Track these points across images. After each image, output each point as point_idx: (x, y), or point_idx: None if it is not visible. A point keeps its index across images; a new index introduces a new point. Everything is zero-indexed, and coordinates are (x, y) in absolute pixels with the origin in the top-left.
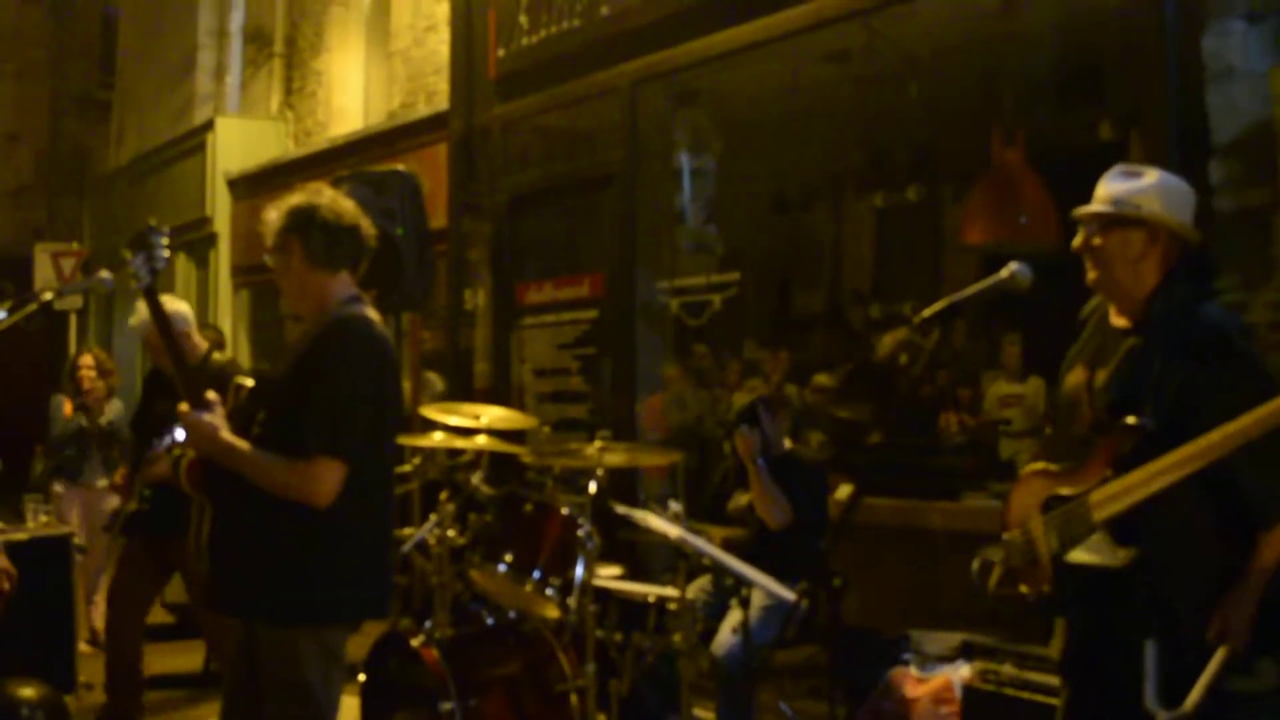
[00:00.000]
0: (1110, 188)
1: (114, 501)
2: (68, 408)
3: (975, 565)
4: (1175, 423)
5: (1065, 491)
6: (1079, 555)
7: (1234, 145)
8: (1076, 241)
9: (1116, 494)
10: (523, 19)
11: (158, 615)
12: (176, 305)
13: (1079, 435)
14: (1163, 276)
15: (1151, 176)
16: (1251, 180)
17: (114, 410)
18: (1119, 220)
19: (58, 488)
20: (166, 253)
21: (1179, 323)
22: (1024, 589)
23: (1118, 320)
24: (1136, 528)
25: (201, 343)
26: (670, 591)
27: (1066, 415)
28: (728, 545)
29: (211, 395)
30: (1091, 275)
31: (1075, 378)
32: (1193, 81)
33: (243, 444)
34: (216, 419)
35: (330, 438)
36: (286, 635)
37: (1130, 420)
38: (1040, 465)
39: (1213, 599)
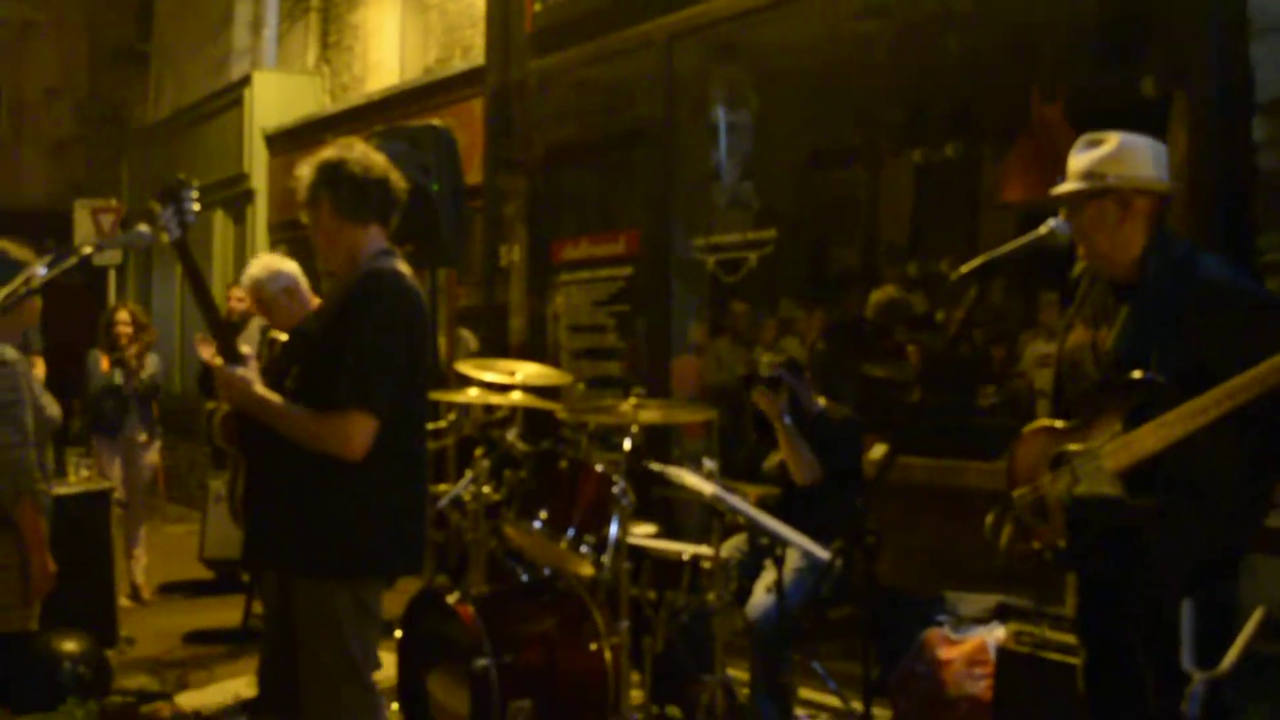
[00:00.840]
0: (1077, 161)
1: (153, 456)
2: (104, 363)
3: (989, 521)
4: (1185, 374)
5: (1074, 447)
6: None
7: (1278, 103)
8: (1043, 231)
9: (1127, 446)
10: None
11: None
12: (286, 264)
13: (1084, 393)
14: (1151, 235)
15: (1111, 142)
16: None
17: (151, 365)
18: (1090, 194)
19: (97, 443)
20: (197, 206)
21: (1175, 279)
22: (1037, 545)
23: (1114, 280)
24: (1154, 479)
25: (313, 299)
26: (705, 550)
27: (1069, 375)
28: (762, 503)
29: (245, 349)
30: (1080, 250)
31: (1076, 338)
32: (1237, 37)
33: (275, 398)
34: (250, 373)
35: (361, 391)
36: (321, 588)
37: (1137, 374)
38: (1045, 422)
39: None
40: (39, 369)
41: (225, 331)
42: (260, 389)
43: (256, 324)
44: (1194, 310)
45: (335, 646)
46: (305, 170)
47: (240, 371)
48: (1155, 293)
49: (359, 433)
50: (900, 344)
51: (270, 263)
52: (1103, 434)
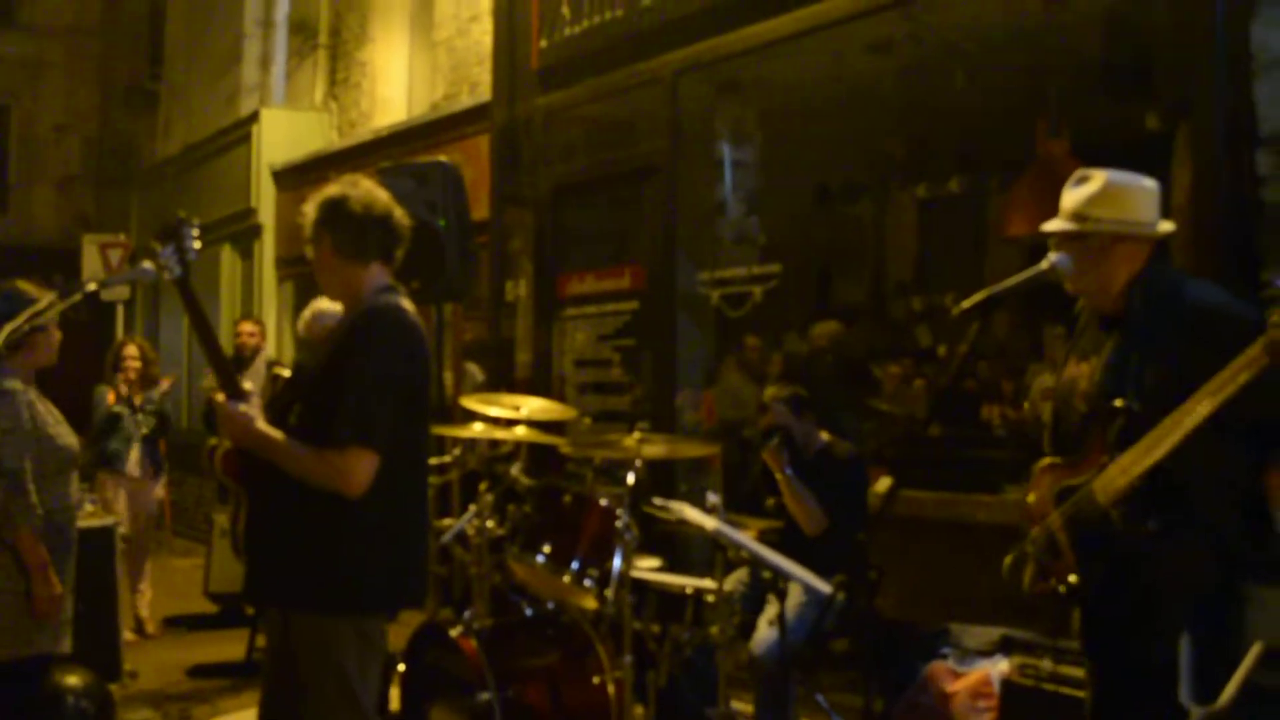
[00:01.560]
0: (1067, 199)
1: (159, 491)
2: (110, 397)
3: (1007, 564)
4: (1166, 405)
5: (1073, 481)
6: None
7: None
8: (1044, 266)
9: (1116, 477)
10: (565, 9)
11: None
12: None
13: (1075, 426)
14: (1140, 267)
15: (1097, 182)
16: None
17: (158, 400)
18: (1070, 236)
19: (103, 478)
20: (198, 244)
21: (1162, 308)
22: (1054, 583)
23: (1102, 313)
24: (1147, 505)
25: None
26: (708, 584)
27: (1063, 408)
28: (765, 538)
29: (248, 385)
30: (1067, 285)
31: (1070, 371)
32: (1241, 72)
33: (277, 434)
34: (251, 409)
35: (361, 428)
36: (323, 624)
37: (1117, 403)
38: (1048, 460)
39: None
40: None
41: (227, 367)
42: (261, 425)
43: (263, 359)
44: (1186, 336)
45: (337, 682)
46: (309, 207)
47: (242, 407)
48: (1140, 323)
49: (360, 469)
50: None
51: (321, 304)
52: (1092, 466)
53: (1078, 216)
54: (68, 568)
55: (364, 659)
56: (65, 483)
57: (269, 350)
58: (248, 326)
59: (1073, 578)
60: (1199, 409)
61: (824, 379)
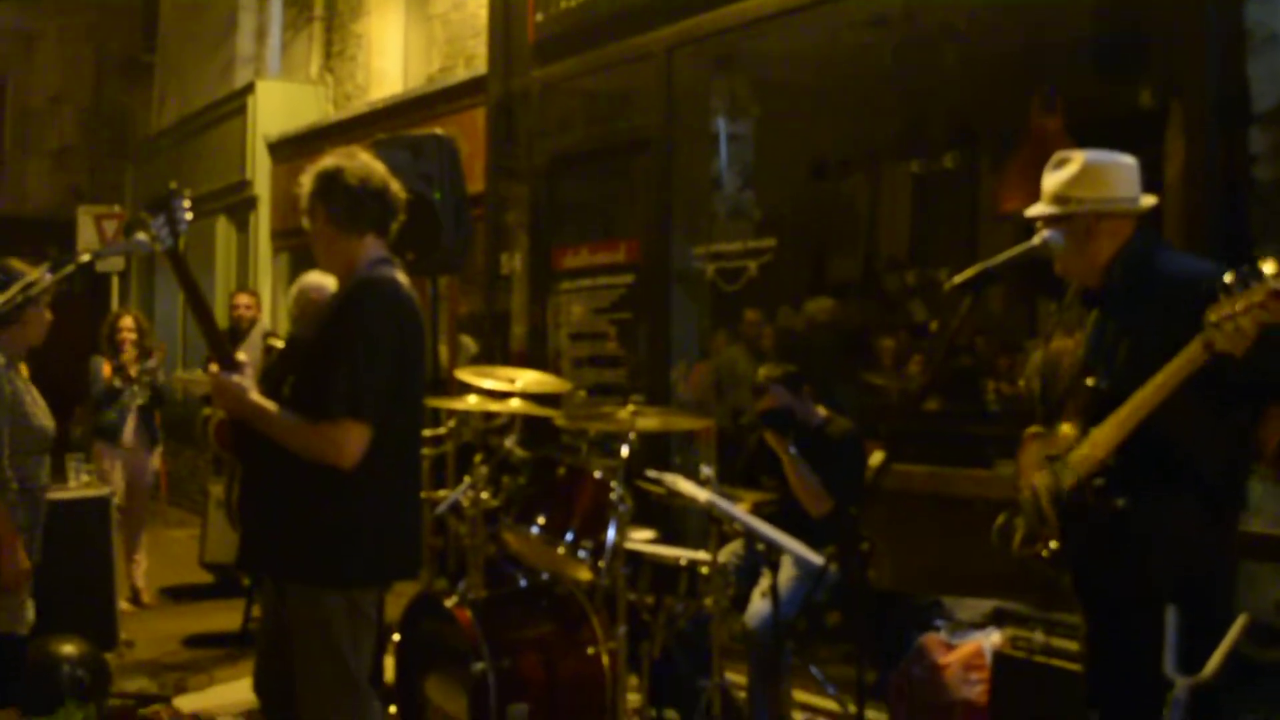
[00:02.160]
0: (1047, 183)
1: (155, 462)
2: (106, 369)
3: (997, 525)
4: (1136, 378)
5: (1053, 451)
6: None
7: (1275, 114)
8: (1036, 242)
9: (1088, 452)
10: None
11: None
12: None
13: (1056, 398)
14: (1122, 244)
15: (1075, 164)
16: None
17: (154, 371)
18: (1054, 218)
19: (99, 448)
20: (189, 215)
21: (1137, 282)
22: (1039, 547)
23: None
24: (1117, 481)
25: None
26: (702, 555)
27: (1050, 381)
28: (759, 509)
29: (241, 356)
30: (1056, 267)
31: (1056, 344)
32: (1234, 49)
33: (270, 405)
34: (245, 380)
35: (353, 400)
36: (315, 595)
37: (1089, 381)
38: (1034, 429)
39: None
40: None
41: (219, 337)
42: (255, 396)
43: (259, 331)
44: (1158, 308)
45: (330, 652)
46: (306, 179)
47: (235, 378)
48: (1117, 298)
49: (352, 441)
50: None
51: (311, 278)
52: (1066, 437)
53: (1060, 199)
54: (35, 546)
55: (357, 630)
56: (38, 464)
57: (265, 322)
58: (243, 299)
59: (1054, 543)
60: (1164, 387)
61: (819, 353)
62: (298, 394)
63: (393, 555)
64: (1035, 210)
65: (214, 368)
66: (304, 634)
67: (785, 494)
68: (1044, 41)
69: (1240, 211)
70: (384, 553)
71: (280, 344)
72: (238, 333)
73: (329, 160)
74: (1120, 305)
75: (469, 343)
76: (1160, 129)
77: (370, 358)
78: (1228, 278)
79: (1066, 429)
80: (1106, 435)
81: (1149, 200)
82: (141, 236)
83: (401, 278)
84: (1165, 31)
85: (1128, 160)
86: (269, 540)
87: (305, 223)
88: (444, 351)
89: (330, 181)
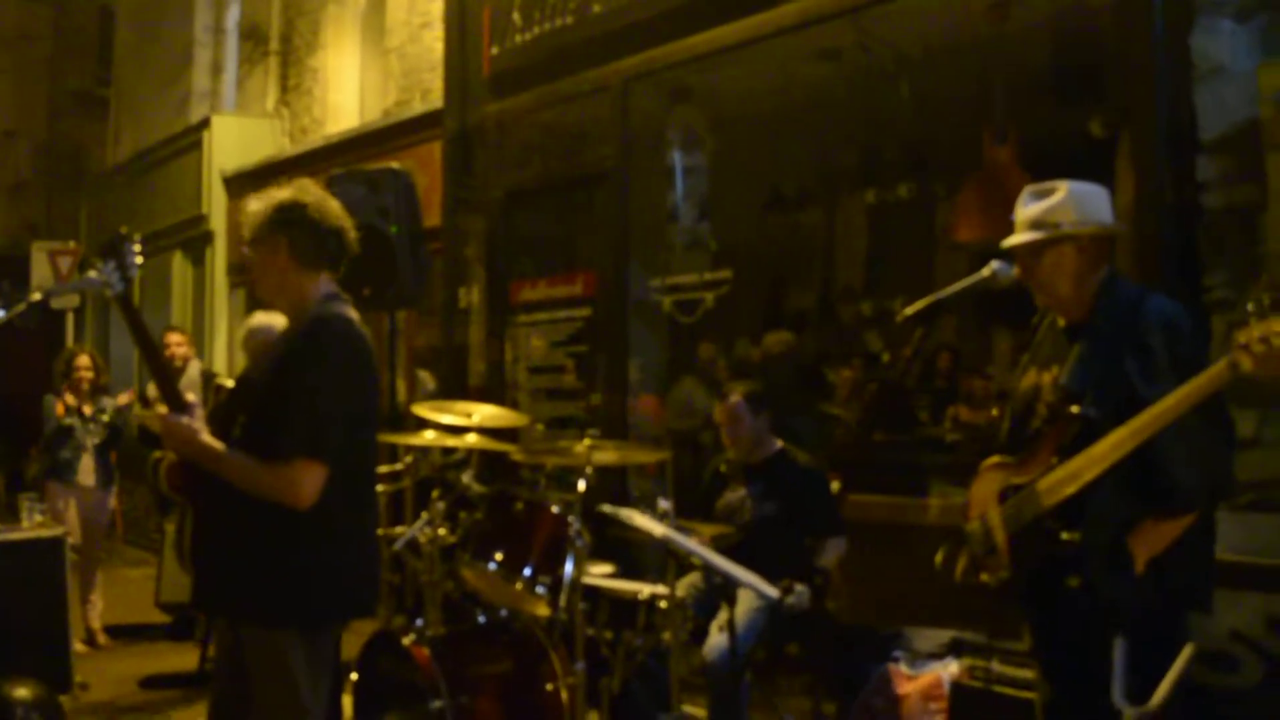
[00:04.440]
0: (1027, 212)
1: (111, 501)
2: (60, 408)
3: (940, 556)
4: (1124, 411)
5: (1018, 481)
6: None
7: (1222, 142)
8: (1016, 273)
9: (1062, 480)
10: (516, 16)
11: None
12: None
13: (1033, 430)
14: (1103, 276)
15: (1061, 191)
16: (1239, 178)
17: (109, 410)
18: (1048, 242)
19: (53, 488)
20: (139, 259)
21: (1124, 318)
22: (984, 577)
23: (1063, 323)
24: (1085, 511)
25: None
26: (660, 589)
27: (1022, 416)
28: (716, 542)
29: (190, 397)
30: (1038, 299)
31: (1029, 380)
32: (1181, 80)
33: (220, 447)
34: (196, 422)
35: (309, 440)
36: (273, 636)
37: (1074, 409)
38: (997, 459)
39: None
40: None
41: (170, 380)
42: (205, 438)
43: (196, 368)
44: (1146, 347)
45: (287, 693)
46: (258, 207)
47: (185, 420)
48: (1104, 332)
49: (307, 481)
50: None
51: (259, 319)
52: (1039, 467)
53: (1042, 225)
54: None
55: (314, 670)
56: None
57: (218, 360)
58: (175, 337)
59: (1004, 573)
60: (1143, 431)
61: (776, 384)
62: (250, 434)
63: (350, 593)
64: (1020, 239)
65: (162, 409)
66: (261, 674)
67: (748, 526)
68: (995, 73)
69: (1189, 238)
70: (341, 591)
71: (229, 383)
72: (177, 370)
73: (286, 193)
74: (1107, 340)
75: (426, 377)
76: (1110, 158)
77: (326, 397)
78: (1250, 305)
79: (1042, 459)
80: (1088, 466)
81: (1120, 225)
82: (94, 275)
83: (353, 313)
84: (1114, 63)
85: (1103, 189)
86: (224, 582)
87: (250, 251)
88: (401, 387)
89: (294, 213)
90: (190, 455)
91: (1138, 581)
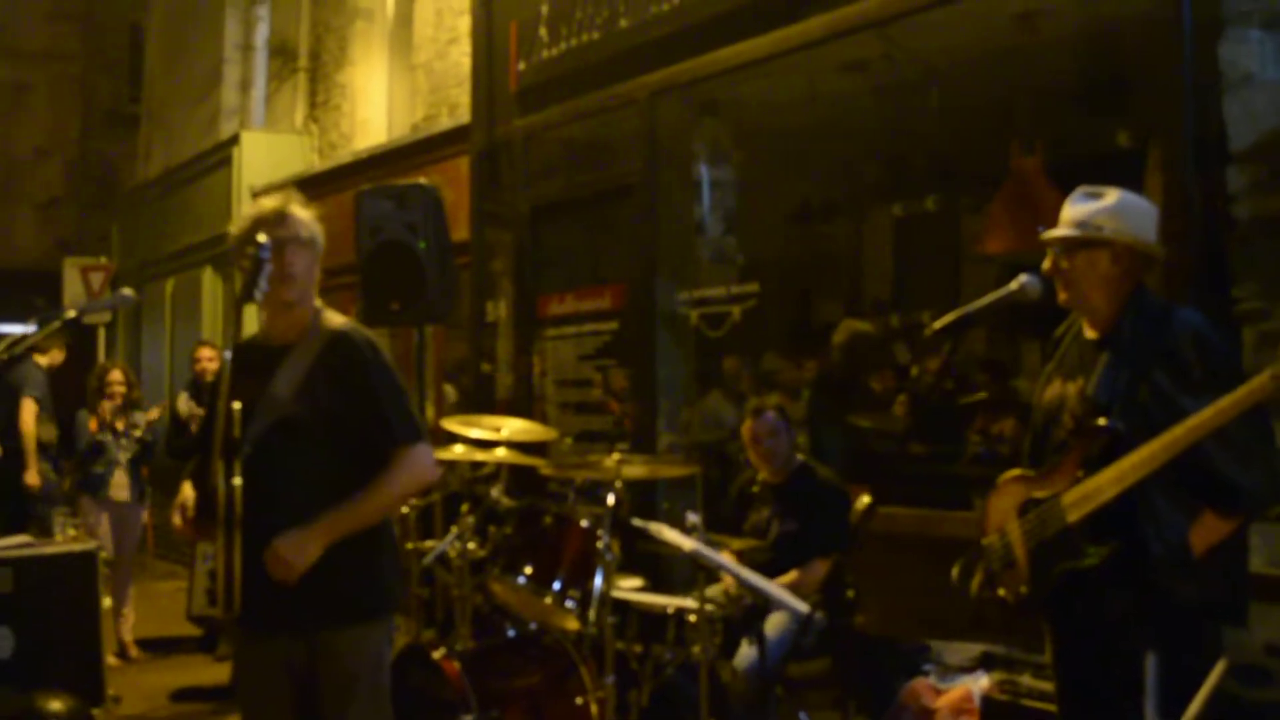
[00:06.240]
0: (1074, 210)
1: (144, 516)
2: (92, 423)
3: (956, 570)
4: (1154, 423)
5: (1040, 494)
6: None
7: (1251, 152)
8: (1046, 264)
9: (1088, 494)
10: (543, 32)
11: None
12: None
13: (1057, 442)
14: (1132, 290)
15: (1112, 197)
16: (1269, 188)
17: (141, 425)
18: (1084, 242)
19: (85, 502)
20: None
21: (1152, 331)
22: (1002, 592)
23: (1091, 334)
24: (1113, 525)
25: None
26: (689, 603)
27: (1045, 428)
28: (745, 557)
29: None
30: (1063, 296)
31: (1053, 391)
32: (1210, 90)
33: (334, 514)
34: (291, 537)
35: (413, 425)
36: (373, 632)
37: (1100, 422)
38: (1017, 471)
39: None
40: None
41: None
42: (318, 530)
43: None
44: (1176, 360)
45: (383, 693)
46: (308, 214)
47: (291, 541)
48: (1132, 345)
49: (429, 457)
50: (886, 386)
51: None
52: (1064, 480)
53: (1084, 224)
54: None
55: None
56: None
57: None
58: (206, 352)
59: (1024, 588)
60: (1175, 445)
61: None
62: (327, 451)
63: (401, 579)
64: (1058, 233)
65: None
66: (363, 674)
67: (774, 541)
68: (1023, 84)
69: (1219, 250)
70: (400, 574)
71: (236, 405)
72: (200, 387)
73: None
74: (1134, 353)
75: (449, 391)
76: (1139, 169)
77: (399, 386)
78: None
79: (1067, 472)
80: (1116, 480)
81: (1162, 250)
82: (127, 292)
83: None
84: (1142, 73)
85: (1154, 207)
86: (316, 592)
87: (292, 246)
88: (430, 401)
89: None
90: (323, 546)
91: (1203, 577)
